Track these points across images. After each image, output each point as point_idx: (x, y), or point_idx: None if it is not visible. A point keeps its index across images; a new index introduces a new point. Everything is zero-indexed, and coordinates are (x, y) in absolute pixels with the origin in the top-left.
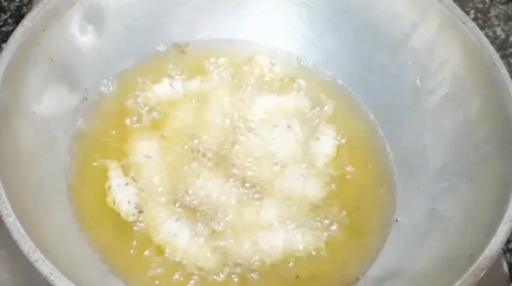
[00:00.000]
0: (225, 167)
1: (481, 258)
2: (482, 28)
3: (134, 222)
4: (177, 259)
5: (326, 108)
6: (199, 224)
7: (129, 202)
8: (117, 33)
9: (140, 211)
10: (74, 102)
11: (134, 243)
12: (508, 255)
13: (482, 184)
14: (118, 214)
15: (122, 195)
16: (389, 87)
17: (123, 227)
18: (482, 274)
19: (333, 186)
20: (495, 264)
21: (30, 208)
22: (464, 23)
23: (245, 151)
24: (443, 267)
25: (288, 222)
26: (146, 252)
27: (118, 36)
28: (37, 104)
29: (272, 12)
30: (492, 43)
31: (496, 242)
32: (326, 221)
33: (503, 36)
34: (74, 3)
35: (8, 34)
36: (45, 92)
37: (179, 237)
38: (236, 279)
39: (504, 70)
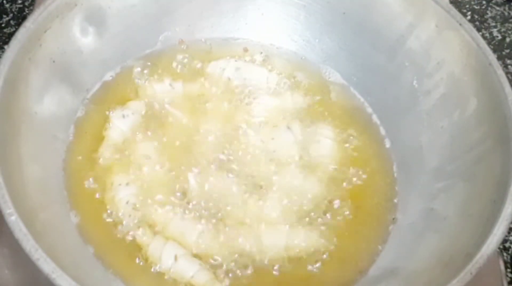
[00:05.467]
0: (226, 166)
1: (477, 256)
2: (478, 29)
3: (135, 222)
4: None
5: (325, 109)
6: (204, 223)
7: (127, 203)
8: (118, 34)
9: (137, 211)
10: (75, 102)
11: (136, 243)
12: (504, 254)
13: (478, 184)
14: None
15: (122, 194)
16: (387, 87)
17: (124, 226)
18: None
19: (332, 186)
20: (491, 263)
21: (32, 207)
22: (460, 24)
23: (245, 151)
24: (440, 266)
25: (289, 220)
26: (148, 253)
27: (119, 37)
28: (38, 104)
29: (270, 13)
30: (489, 44)
31: (493, 241)
32: (326, 220)
33: (499, 37)
34: (76, 5)
35: (10, 35)
36: (46, 92)
37: (186, 236)
38: (239, 274)
39: (500, 71)
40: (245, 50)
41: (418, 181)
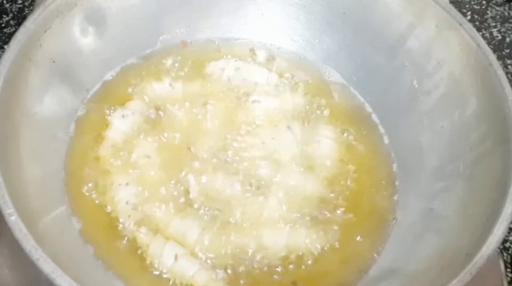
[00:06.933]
0: (226, 166)
1: (477, 256)
2: (478, 29)
3: (135, 222)
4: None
5: (325, 109)
6: (204, 223)
7: (127, 203)
8: (117, 34)
9: (136, 211)
10: (75, 102)
11: (136, 243)
12: (504, 254)
13: (478, 184)
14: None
15: (122, 194)
16: (387, 87)
17: (124, 226)
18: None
19: (333, 186)
20: (491, 263)
21: (32, 207)
22: (460, 24)
23: (245, 151)
24: (440, 266)
25: (290, 219)
26: (149, 252)
27: (119, 37)
28: (38, 104)
29: (270, 13)
30: (489, 44)
31: (493, 241)
32: (326, 220)
33: (499, 37)
34: (76, 5)
35: (10, 35)
36: (46, 92)
37: (186, 235)
38: (240, 274)
39: (500, 71)
40: (251, 50)
41: (418, 181)
